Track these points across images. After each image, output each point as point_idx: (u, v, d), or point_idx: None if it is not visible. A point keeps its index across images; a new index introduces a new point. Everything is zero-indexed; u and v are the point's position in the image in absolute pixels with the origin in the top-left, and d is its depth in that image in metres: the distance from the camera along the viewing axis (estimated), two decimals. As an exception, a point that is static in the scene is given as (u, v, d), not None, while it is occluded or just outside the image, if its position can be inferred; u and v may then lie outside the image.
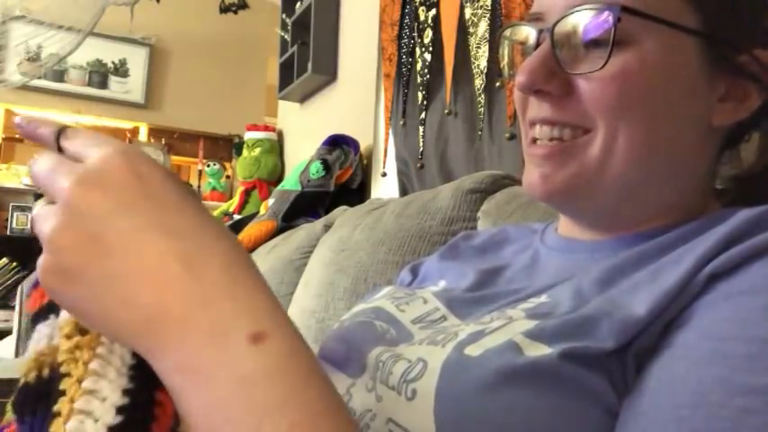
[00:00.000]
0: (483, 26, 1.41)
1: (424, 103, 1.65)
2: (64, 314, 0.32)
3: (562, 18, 0.42)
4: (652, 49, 0.41)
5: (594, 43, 0.41)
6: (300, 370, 0.28)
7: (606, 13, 0.40)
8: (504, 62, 0.51)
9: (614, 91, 0.41)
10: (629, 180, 0.43)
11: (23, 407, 0.30)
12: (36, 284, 0.34)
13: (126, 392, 0.27)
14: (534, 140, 0.45)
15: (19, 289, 1.85)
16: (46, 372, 0.30)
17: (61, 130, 0.33)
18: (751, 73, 0.43)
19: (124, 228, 0.29)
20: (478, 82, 1.42)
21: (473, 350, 0.36)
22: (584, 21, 0.42)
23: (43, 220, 0.30)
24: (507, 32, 0.50)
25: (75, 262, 0.28)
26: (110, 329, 0.29)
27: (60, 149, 0.33)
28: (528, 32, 0.47)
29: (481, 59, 1.41)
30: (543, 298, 0.42)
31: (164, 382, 0.28)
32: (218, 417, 0.26)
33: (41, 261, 0.29)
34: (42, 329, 0.33)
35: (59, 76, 3.91)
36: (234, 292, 0.28)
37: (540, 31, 0.44)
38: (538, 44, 0.44)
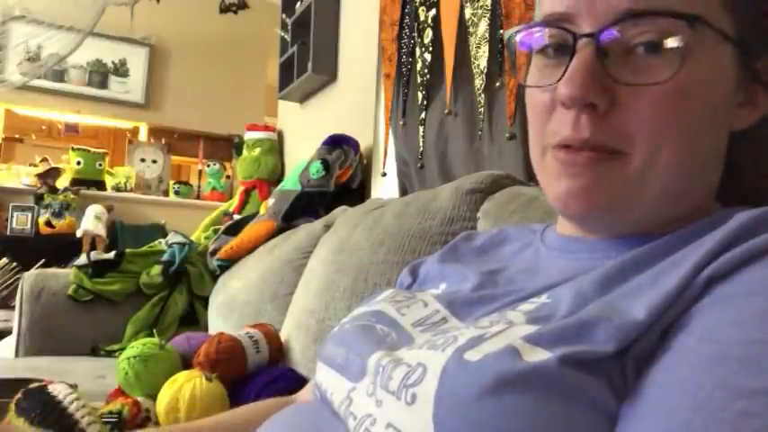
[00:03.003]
0: (483, 26, 1.41)
1: (424, 103, 1.65)
2: None
3: (614, 23, 0.39)
4: (706, 60, 0.39)
5: (655, 53, 0.39)
6: None
7: (678, 22, 0.38)
8: (523, 70, 0.47)
9: (673, 106, 0.39)
10: (669, 193, 0.42)
11: None
12: None
13: None
14: (564, 146, 0.42)
15: (19, 286, 1.85)
16: None
17: None
18: (762, 77, 0.43)
19: None
20: (478, 82, 1.42)
21: (472, 355, 0.35)
22: (646, 29, 0.39)
23: None
24: (519, 36, 0.46)
25: None
26: None
27: None
28: (558, 36, 0.43)
29: (481, 59, 1.41)
30: (544, 298, 0.42)
31: None
32: None
33: None
34: None
35: (59, 76, 3.91)
36: None
37: (577, 37, 0.40)
38: (573, 49, 0.40)
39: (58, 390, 0.85)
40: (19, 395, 0.83)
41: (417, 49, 1.70)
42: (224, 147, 4.25)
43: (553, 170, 0.43)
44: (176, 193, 3.93)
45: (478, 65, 1.42)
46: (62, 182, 3.53)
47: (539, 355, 0.34)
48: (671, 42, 0.38)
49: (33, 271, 1.98)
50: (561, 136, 0.42)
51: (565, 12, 0.42)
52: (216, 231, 2.37)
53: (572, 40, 0.41)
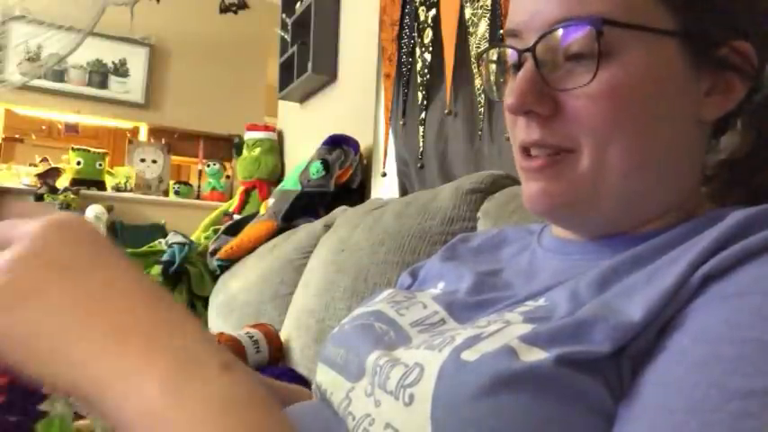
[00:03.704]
0: (483, 26, 1.41)
1: (424, 103, 1.65)
2: None
3: (543, 36, 0.42)
4: (636, 58, 0.41)
5: (579, 58, 0.41)
6: (266, 399, 0.29)
7: (587, 27, 0.40)
8: (492, 83, 0.51)
9: (603, 107, 0.41)
10: (628, 189, 0.43)
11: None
12: None
13: None
14: (528, 154, 0.45)
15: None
16: None
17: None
18: (732, 64, 0.43)
19: (88, 259, 0.30)
20: (478, 82, 1.41)
21: (469, 355, 0.35)
22: (565, 37, 0.41)
23: (1, 255, 0.29)
24: (488, 55, 0.51)
25: (37, 280, 0.28)
26: (65, 353, 0.27)
27: None
28: (503, 53, 0.47)
29: (481, 59, 1.41)
30: (541, 301, 0.42)
31: (122, 418, 0.27)
32: None
33: None
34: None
35: (59, 76, 3.91)
36: (196, 327, 0.30)
37: (521, 52, 0.44)
38: (520, 63, 0.44)
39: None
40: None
41: (417, 49, 1.70)
42: (224, 147, 4.25)
43: (523, 176, 0.47)
44: (176, 193, 3.93)
45: (478, 65, 1.42)
46: (62, 182, 3.53)
47: (535, 355, 0.34)
48: (585, 47, 0.41)
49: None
50: (520, 139, 0.46)
51: (514, 28, 0.45)
52: (216, 231, 2.37)
53: (518, 57, 0.44)
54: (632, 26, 0.40)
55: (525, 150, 0.45)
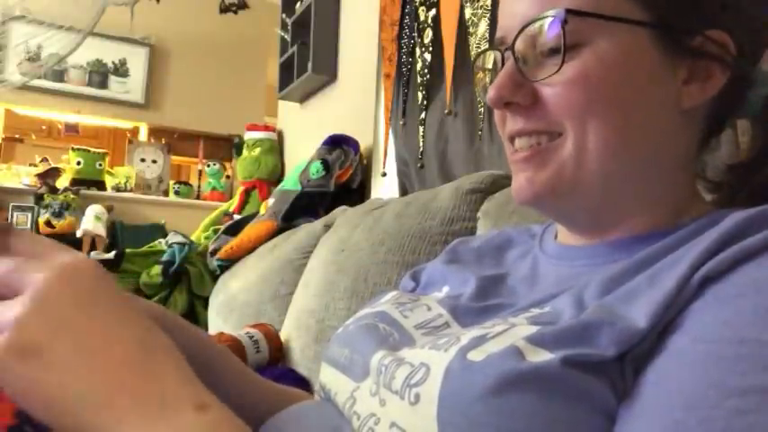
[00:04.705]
0: (483, 26, 1.41)
1: (424, 103, 1.65)
2: None
3: (518, 34, 0.45)
4: (607, 47, 0.42)
5: (552, 51, 0.44)
6: None
7: (553, 19, 0.43)
8: (487, 84, 0.53)
9: (577, 93, 0.43)
10: (609, 174, 0.44)
11: None
12: None
13: None
14: (516, 151, 0.48)
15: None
16: None
17: (4, 229, 0.36)
18: (708, 53, 0.44)
19: (89, 315, 0.33)
20: (478, 82, 1.42)
21: (475, 355, 0.36)
22: (537, 32, 0.44)
23: (7, 308, 0.32)
24: (479, 61, 0.54)
25: (40, 339, 0.32)
26: (62, 405, 0.32)
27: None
28: (495, 56, 0.51)
29: (481, 59, 1.41)
30: (547, 309, 0.42)
31: None
32: None
33: (1, 341, 0.32)
34: None
35: (59, 76, 3.91)
36: (177, 368, 0.34)
37: (503, 52, 0.47)
38: (504, 64, 0.47)
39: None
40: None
41: (417, 49, 1.70)
42: (224, 147, 4.25)
43: (513, 171, 0.49)
44: (176, 193, 3.93)
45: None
46: (62, 182, 3.53)
47: (541, 356, 0.34)
48: (555, 40, 0.43)
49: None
50: (507, 131, 0.48)
51: (501, 35, 0.48)
52: (216, 231, 2.37)
53: (501, 57, 0.48)
54: (597, 15, 0.42)
55: (512, 141, 0.48)
